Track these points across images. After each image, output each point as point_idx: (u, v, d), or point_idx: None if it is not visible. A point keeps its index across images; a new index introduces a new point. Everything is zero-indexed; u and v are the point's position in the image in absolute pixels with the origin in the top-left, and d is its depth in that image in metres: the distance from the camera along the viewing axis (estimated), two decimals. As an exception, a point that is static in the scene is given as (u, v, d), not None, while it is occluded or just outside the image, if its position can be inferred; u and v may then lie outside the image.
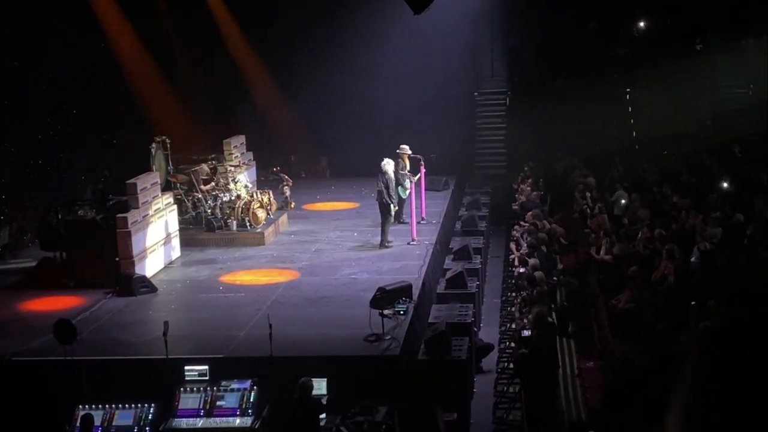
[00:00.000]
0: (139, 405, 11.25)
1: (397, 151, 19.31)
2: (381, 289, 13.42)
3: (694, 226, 16.42)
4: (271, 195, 20.29)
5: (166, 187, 19.08)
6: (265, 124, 27.15)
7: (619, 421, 9.63)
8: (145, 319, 14.34)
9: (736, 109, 28.00)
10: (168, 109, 24.22)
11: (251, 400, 11.28)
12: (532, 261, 15.84)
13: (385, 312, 13.08)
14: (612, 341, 13.20)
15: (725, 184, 20.36)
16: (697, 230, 16.04)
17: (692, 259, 15.05)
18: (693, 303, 12.80)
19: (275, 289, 15.74)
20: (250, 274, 16.90)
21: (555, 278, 16.52)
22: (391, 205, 18.21)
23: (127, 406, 11.26)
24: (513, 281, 17.09)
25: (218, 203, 19.15)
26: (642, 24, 30.43)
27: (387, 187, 18.10)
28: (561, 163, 25.28)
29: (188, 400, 11.32)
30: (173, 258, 17.77)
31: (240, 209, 19.00)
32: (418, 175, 19.47)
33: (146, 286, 15.78)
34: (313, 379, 10.80)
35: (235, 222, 18.94)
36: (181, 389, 11.39)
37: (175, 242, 17.97)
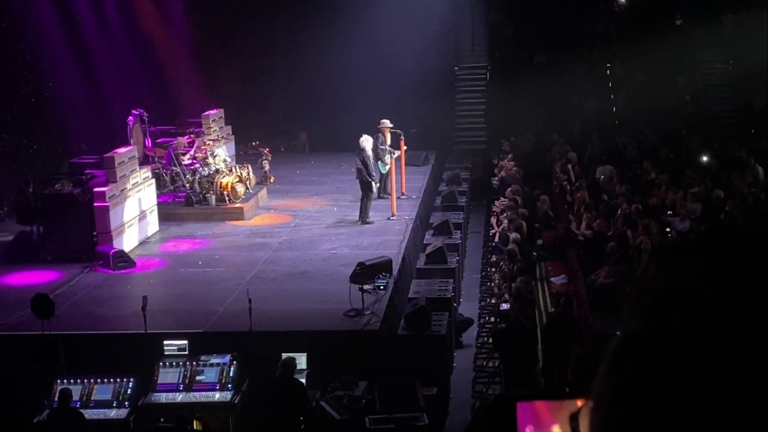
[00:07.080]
0: (118, 379, 11.21)
1: (379, 128, 19.17)
2: (361, 264, 13.40)
3: (674, 201, 16.47)
4: (250, 169, 20.16)
5: (144, 161, 18.91)
6: (245, 98, 26.92)
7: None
8: (124, 294, 14.25)
9: (715, 85, 28.10)
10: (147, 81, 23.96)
11: (231, 374, 11.25)
12: (513, 236, 15.84)
13: (365, 287, 13.06)
14: (591, 316, 13.24)
15: (704, 159, 20.44)
16: (677, 206, 16.10)
17: (670, 234, 15.12)
18: None
19: (255, 263, 15.68)
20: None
21: (535, 254, 16.55)
22: (373, 183, 18.09)
23: (105, 380, 11.21)
24: (492, 256, 17.09)
25: (197, 177, 19.01)
26: (622, -1, 30.38)
27: (365, 165, 17.97)
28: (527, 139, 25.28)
29: (167, 375, 11.29)
30: (151, 233, 17.66)
31: (219, 183, 18.86)
32: (398, 152, 19.36)
33: (124, 260, 15.67)
34: (293, 355, 10.77)
35: (214, 196, 18.81)
36: (161, 364, 11.35)
37: (153, 217, 17.85)
